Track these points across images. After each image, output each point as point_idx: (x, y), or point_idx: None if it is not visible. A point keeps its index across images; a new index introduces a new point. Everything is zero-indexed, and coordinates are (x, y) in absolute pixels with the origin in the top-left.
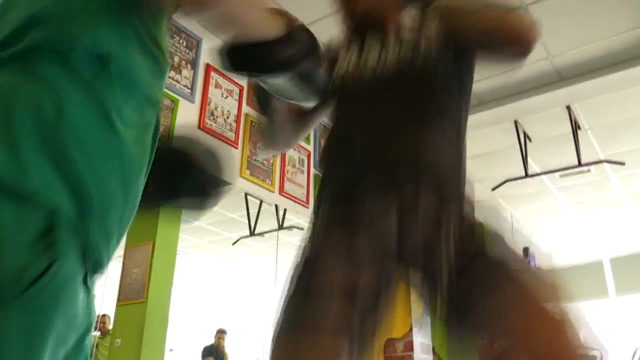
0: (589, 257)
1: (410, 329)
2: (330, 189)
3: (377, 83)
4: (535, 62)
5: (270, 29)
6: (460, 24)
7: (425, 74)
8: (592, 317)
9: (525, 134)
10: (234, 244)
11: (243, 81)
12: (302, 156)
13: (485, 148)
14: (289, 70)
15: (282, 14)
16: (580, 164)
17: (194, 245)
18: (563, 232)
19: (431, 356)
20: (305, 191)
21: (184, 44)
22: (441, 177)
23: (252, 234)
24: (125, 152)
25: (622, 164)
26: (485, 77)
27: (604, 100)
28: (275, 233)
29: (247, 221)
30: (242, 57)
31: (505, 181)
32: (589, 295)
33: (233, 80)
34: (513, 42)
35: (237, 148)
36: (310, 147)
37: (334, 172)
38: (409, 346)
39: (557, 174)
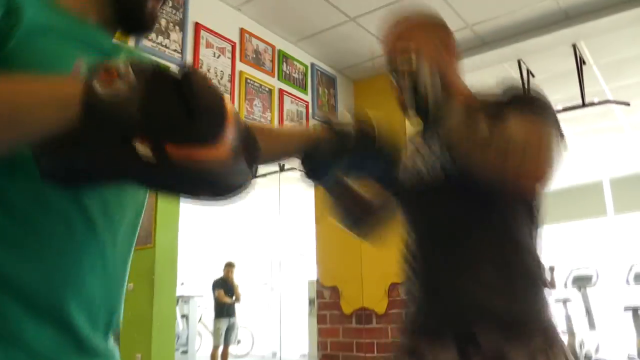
0: (589, 178)
1: None
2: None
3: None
4: (541, 1)
5: (55, 115)
6: (465, 158)
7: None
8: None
9: (528, 71)
10: None
11: (235, 36)
12: (300, 108)
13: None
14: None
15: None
16: (584, 104)
17: None
18: (565, 156)
19: None
20: None
21: (170, 4)
22: (499, 317)
23: (253, 176)
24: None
25: (627, 104)
26: (489, 18)
27: (611, 38)
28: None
29: None
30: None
31: None
32: (588, 214)
33: (224, 37)
34: (517, 182)
35: None
36: (308, 98)
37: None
38: None
39: (559, 106)
